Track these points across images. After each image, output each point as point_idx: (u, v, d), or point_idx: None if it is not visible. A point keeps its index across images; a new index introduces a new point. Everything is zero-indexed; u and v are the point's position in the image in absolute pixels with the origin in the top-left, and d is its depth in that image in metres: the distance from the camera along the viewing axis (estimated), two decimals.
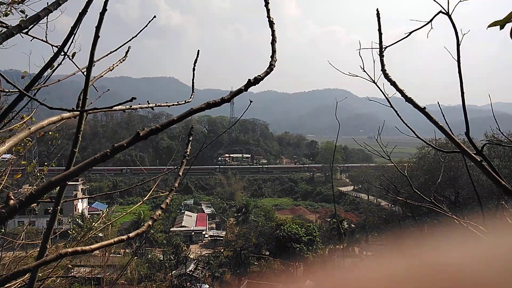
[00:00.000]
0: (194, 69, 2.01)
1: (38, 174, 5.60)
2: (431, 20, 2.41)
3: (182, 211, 77.93)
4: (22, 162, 5.11)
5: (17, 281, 3.11)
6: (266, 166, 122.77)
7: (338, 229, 49.79)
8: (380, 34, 2.31)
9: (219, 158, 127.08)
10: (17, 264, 5.96)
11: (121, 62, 2.14)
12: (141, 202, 3.60)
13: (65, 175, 1.03)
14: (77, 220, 50.82)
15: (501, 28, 1.75)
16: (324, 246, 48.55)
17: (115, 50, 2.09)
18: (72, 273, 33.52)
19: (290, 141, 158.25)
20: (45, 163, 5.61)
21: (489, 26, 1.82)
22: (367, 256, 53.61)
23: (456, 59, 2.17)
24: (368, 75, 2.66)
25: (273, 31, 1.17)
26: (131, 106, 1.80)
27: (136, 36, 1.98)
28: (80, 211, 63.19)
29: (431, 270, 0.63)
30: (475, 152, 2.06)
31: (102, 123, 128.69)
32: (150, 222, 1.24)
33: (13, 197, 0.97)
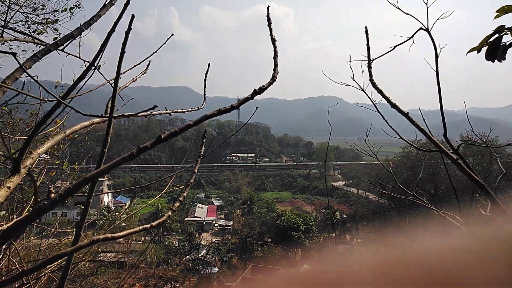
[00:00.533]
0: (205, 80, 2.03)
1: (69, 172, 5.65)
2: (412, 36, 2.42)
3: (195, 203, 78.03)
4: (56, 162, 5.14)
5: (54, 264, 3.14)
6: (258, 164, 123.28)
7: (332, 219, 49.69)
8: (368, 48, 2.32)
9: (227, 157, 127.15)
10: (51, 250, 5.99)
11: (143, 74, 2.17)
12: (160, 195, 3.62)
13: (98, 172, 1.05)
14: (104, 211, 50.95)
15: (478, 52, 1.81)
16: (319, 234, 48.42)
17: (139, 64, 2.11)
18: (99, 258, 33.71)
19: (289, 142, 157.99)
20: (76, 162, 5.66)
21: (468, 52, 1.86)
22: (357, 242, 53.45)
23: (435, 69, 2.18)
24: (358, 84, 2.67)
25: (275, 48, 1.18)
26: (151, 112, 1.81)
27: (156, 51, 2.00)
28: (106, 203, 63.47)
29: (406, 259, 0.62)
30: (452, 151, 2.07)
31: (125, 126, 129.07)
32: (169, 213, 1.25)
33: (53, 191, 0.98)
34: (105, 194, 66.08)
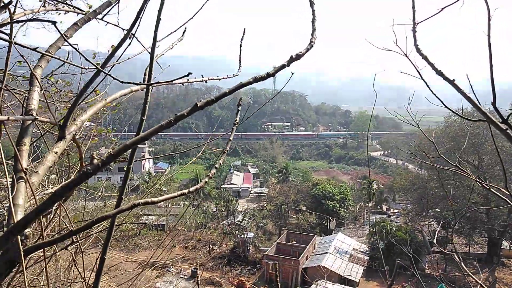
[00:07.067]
0: (240, 46, 2.00)
1: (113, 138, 5.90)
2: None
3: (232, 171, 79.78)
4: (100, 129, 5.36)
5: (99, 225, 3.36)
6: (286, 132, 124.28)
7: (368, 189, 49.13)
8: (414, 11, 2.18)
9: (263, 126, 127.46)
10: (98, 212, 6.40)
11: (179, 41, 2.17)
12: (193, 160, 3.77)
13: (137, 139, 1.08)
14: (145, 176, 53.32)
15: None
16: (355, 203, 48.22)
17: (175, 31, 2.11)
18: (142, 220, 35.74)
19: (326, 111, 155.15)
20: (112, 129, 5.89)
21: None
22: (393, 213, 52.81)
23: (487, 33, 2.01)
24: (401, 49, 2.54)
25: (313, 11, 1.13)
26: (188, 80, 1.82)
27: (191, 18, 1.98)
28: (147, 169, 66.38)
29: None
30: (500, 121, 1.94)
31: (164, 95, 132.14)
32: (206, 179, 1.29)
33: (96, 157, 1.03)
34: (147, 161, 68.95)
